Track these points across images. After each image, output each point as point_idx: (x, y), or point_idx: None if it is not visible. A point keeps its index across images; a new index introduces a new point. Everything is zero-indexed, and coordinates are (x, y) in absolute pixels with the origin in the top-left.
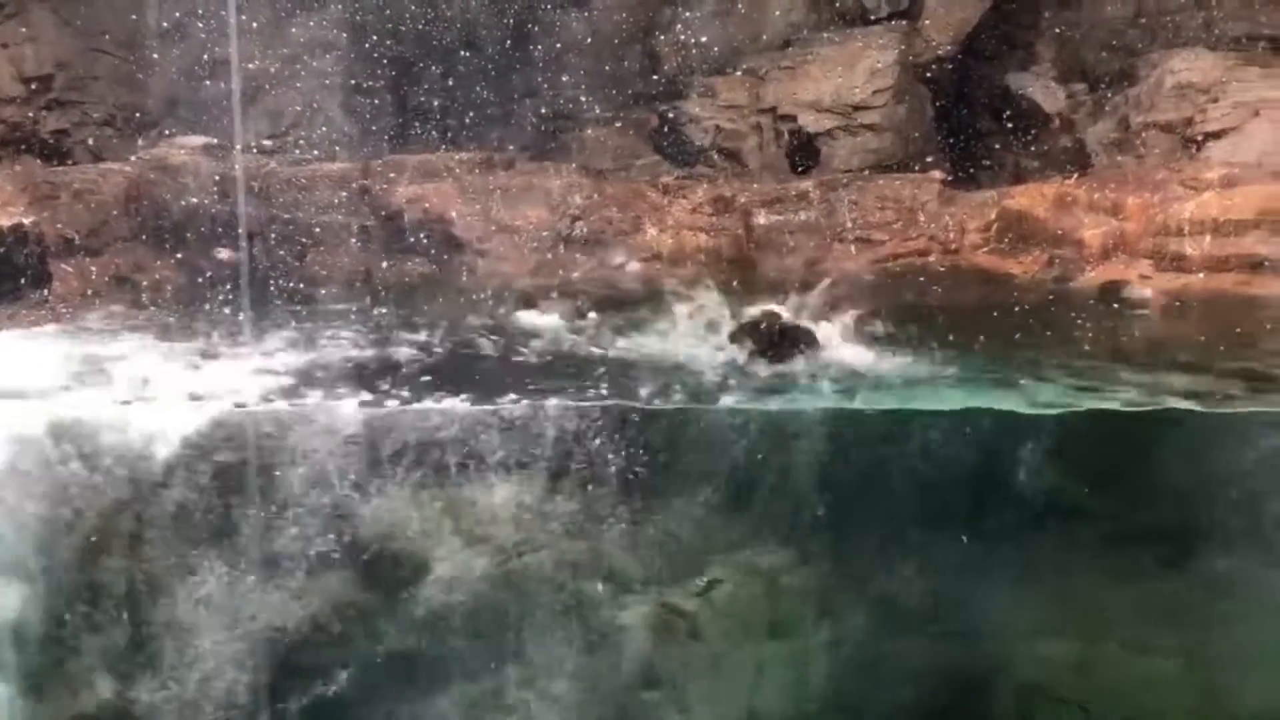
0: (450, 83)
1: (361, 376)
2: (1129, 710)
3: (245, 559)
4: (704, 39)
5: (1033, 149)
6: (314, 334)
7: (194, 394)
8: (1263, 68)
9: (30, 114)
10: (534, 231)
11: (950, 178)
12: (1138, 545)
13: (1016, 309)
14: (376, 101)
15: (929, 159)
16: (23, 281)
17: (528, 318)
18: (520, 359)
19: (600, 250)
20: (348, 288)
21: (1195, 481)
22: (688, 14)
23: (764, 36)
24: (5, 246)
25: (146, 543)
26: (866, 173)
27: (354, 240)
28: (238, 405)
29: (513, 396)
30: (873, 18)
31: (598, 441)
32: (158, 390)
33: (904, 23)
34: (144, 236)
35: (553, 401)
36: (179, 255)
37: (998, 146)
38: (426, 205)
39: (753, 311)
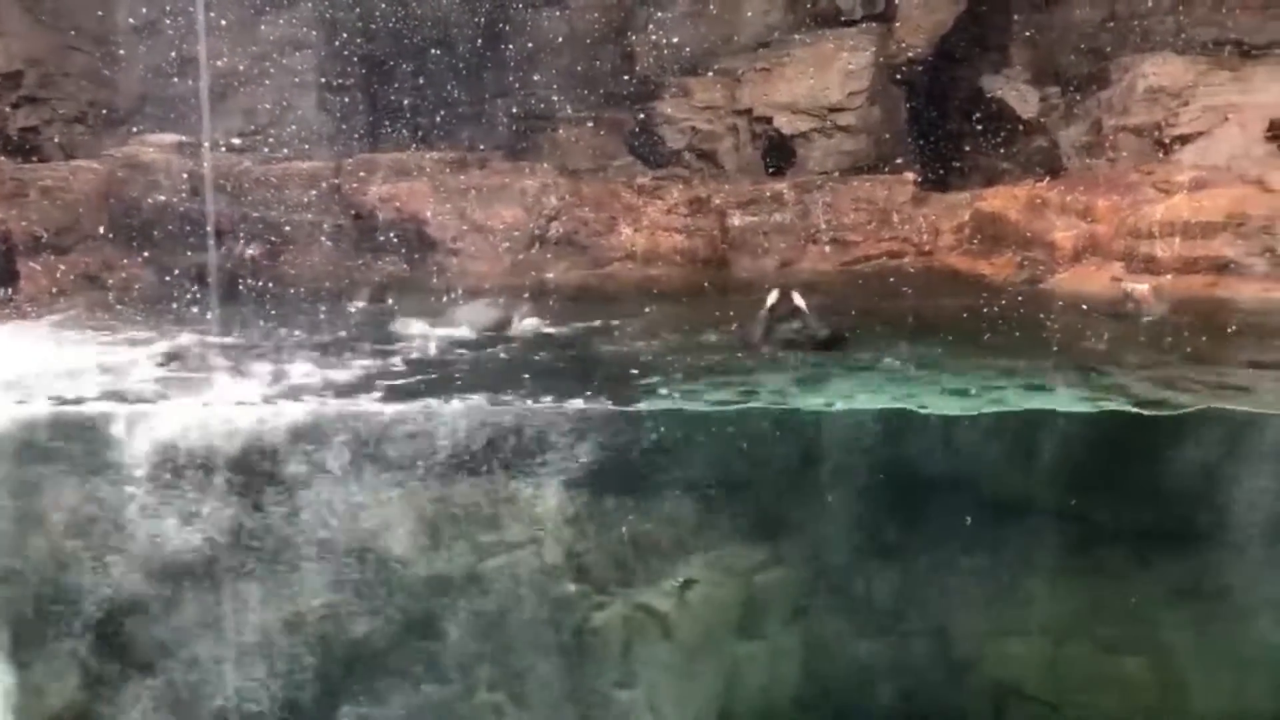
0: (423, 81)
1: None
2: None
3: None
4: (679, 39)
5: (1005, 151)
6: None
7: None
8: (1231, 72)
9: None
10: (507, 231)
11: (923, 179)
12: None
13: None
14: (349, 100)
15: (902, 161)
16: None
17: None
18: None
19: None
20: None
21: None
22: (662, 14)
23: (739, 38)
24: None
25: None
26: (836, 174)
27: (325, 239)
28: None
29: None
30: (844, 19)
31: None
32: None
33: (879, 25)
34: (113, 234)
35: None
36: (147, 254)
37: (970, 149)
38: (399, 204)
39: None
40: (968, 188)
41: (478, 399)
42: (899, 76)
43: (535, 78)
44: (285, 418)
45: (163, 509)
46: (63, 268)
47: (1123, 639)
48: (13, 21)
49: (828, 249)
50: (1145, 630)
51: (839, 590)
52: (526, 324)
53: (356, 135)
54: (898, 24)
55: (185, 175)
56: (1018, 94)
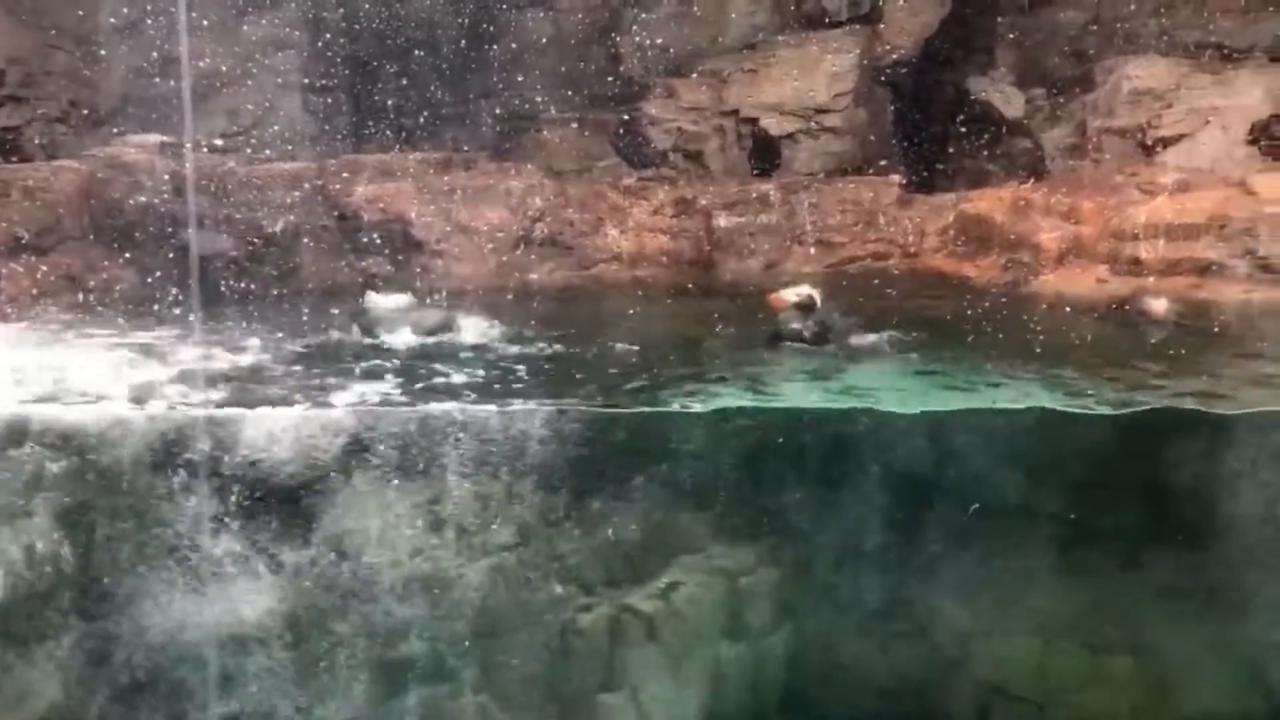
0: (408, 82)
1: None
2: None
3: None
4: (665, 40)
5: (990, 153)
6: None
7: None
8: (1214, 75)
9: None
10: (492, 232)
11: (908, 181)
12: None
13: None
14: (333, 100)
15: (887, 162)
16: None
17: None
18: None
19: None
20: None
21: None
22: (648, 16)
23: (725, 39)
24: None
25: None
26: (822, 175)
27: (309, 240)
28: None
29: None
30: (830, 21)
31: None
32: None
33: (864, 27)
34: (95, 235)
35: None
36: (129, 254)
37: (955, 151)
38: (384, 205)
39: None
40: (953, 189)
41: None
42: (884, 78)
43: (520, 79)
44: None
45: None
46: (44, 268)
47: None
48: None
49: (813, 250)
50: None
51: None
52: (470, 327)
53: (341, 136)
54: (883, 26)
55: (168, 176)
56: (1003, 96)
